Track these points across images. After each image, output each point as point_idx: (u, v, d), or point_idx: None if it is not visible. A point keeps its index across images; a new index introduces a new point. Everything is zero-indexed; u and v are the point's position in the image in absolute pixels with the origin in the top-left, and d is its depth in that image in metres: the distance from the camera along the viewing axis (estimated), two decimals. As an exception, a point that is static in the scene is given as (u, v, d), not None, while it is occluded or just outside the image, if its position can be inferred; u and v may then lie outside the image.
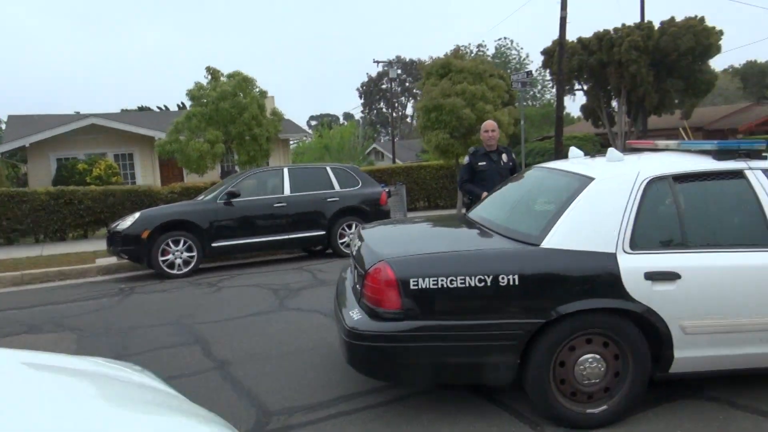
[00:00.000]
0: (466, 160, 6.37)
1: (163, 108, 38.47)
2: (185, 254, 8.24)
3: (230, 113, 12.96)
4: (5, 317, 6.24)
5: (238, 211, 8.67)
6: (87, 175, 17.72)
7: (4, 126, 25.77)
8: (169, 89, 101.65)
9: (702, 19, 22.84)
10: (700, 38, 22.37)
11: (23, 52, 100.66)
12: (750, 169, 3.27)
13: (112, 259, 8.90)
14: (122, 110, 36.69)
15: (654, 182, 3.20)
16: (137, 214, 8.34)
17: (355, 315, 3.25)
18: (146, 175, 20.59)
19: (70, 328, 5.65)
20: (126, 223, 8.23)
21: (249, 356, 4.46)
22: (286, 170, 9.43)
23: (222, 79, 13.57)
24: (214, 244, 8.45)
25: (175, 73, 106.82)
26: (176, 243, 8.19)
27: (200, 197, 9.32)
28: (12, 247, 11.48)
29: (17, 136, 19.26)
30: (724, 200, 3.34)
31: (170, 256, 8.14)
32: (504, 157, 6.30)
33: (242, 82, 13.35)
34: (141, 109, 40.13)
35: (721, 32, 22.86)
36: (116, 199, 12.29)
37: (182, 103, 34.43)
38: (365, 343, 3.10)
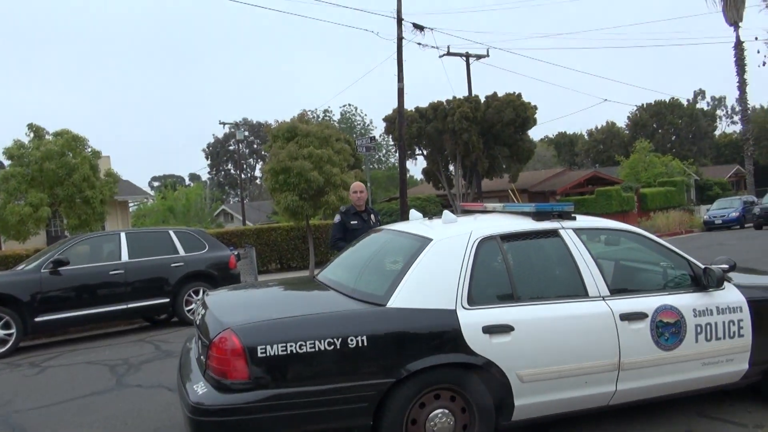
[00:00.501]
0: (336, 218, 6.47)
1: (-24, 167, 34.21)
2: (1, 332, 7.24)
3: (57, 174, 11.90)
4: None
5: (67, 280, 7.87)
6: None
7: None
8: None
9: (519, 95, 25.93)
10: (519, 111, 25.33)
11: None
12: (563, 228, 3.72)
13: None
14: None
15: (485, 242, 3.51)
16: (-62, 289, 7.21)
17: (199, 389, 3.08)
18: (-48, 242, 17.94)
19: None
20: None
21: (78, 445, 3.99)
22: (123, 234, 8.80)
23: (47, 137, 12.50)
24: (37, 319, 7.54)
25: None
26: (-11, 320, 7.18)
27: (21, 266, 8.33)
28: None
29: None
30: (544, 256, 3.74)
31: (-19, 336, 7.10)
32: (372, 216, 6.58)
33: (71, 141, 12.40)
34: (-53, 167, 35.32)
35: (535, 107, 26.13)
36: None
37: None
38: (212, 418, 2.94)
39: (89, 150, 12.76)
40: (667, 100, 57.19)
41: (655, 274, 4.00)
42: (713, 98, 67.29)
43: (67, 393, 5.34)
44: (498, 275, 3.49)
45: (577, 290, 3.54)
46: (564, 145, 63.12)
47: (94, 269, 8.17)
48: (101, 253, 8.54)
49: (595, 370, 3.41)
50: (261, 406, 2.92)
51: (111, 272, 8.22)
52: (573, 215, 3.86)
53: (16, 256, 11.30)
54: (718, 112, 67.24)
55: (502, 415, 3.31)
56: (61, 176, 11.90)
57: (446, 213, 3.94)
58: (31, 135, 12.47)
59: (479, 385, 3.22)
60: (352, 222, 6.35)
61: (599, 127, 60.71)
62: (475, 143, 24.92)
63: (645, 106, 57.57)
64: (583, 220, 3.90)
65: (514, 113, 25.15)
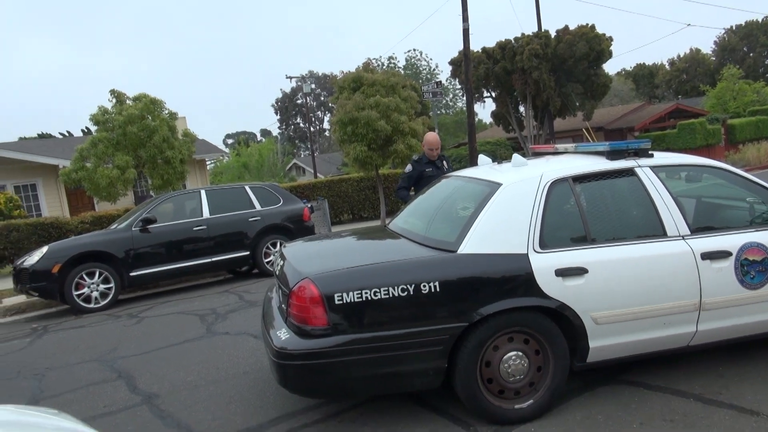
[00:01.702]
0: (408, 168, 6.59)
1: (67, 134, 36.46)
2: (102, 286, 7.89)
3: (139, 137, 12.54)
4: None
5: (156, 237, 8.39)
6: (-15, 211, 16.49)
7: None
8: (71, 114, 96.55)
9: (593, 27, 24.45)
10: (593, 44, 23.93)
11: None
12: (639, 166, 3.58)
13: (21, 298, 8.38)
14: (20, 138, 34.47)
15: (556, 184, 3.44)
16: (45, 248, 7.89)
17: (282, 335, 3.26)
18: (53, 206, 19.43)
19: (-23, 376, 5.27)
20: (33, 258, 7.77)
21: (177, 387, 4.35)
22: (203, 192, 9.23)
23: (128, 102, 13.12)
24: (132, 274, 8.14)
25: (77, 97, 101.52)
26: (91, 275, 7.82)
27: (113, 226, 8.95)
28: None
29: None
30: (619, 197, 3.62)
31: (85, 290, 7.76)
32: (445, 163, 6.70)
33: (150, 105, 12.96)
34: (41, 136, 37.83)
35: (611, 38, 24.57)
36: (20, 234, 11.52)
37: (87, 128, 32.86)
38: (295, 362, 3.12)
39: (166, 112, 13.30)
40: (760, 20, 52.29)
41: (740, 210, 3.80)
42: (814, 14, 60.84)
43: (163, 340, 5.79)
44: (571, 217, 3.43)
45: (654, 230, 3.43)
46: (643, 77, 59.33)
47: (179, 226, 8.66)
48: (185, 211, 9.01)
49: (674, 311, 3.33)
50: (340, 351, 3.07)
51: (195, 228, 8.69)
52: (650, 152, 3.69)
53: (108, 217, 12.11)
54: (820, 29, 60.88)
55: (576, 357, 3.32)
56: (143, 138, 12.53)
57: (516, 156, 3.87)
58: (114, 101, 13.13)
59: (553, 328, 3.22)
60: (426, 170, 6.43)
61: (682, 55, 56.46)
62: (546, 81, 23.91)
63: (734, 28, 52.94)
64: (661, 157, 3.72)
65: (587, 47, 23.82)
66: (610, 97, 38.80)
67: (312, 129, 53.20)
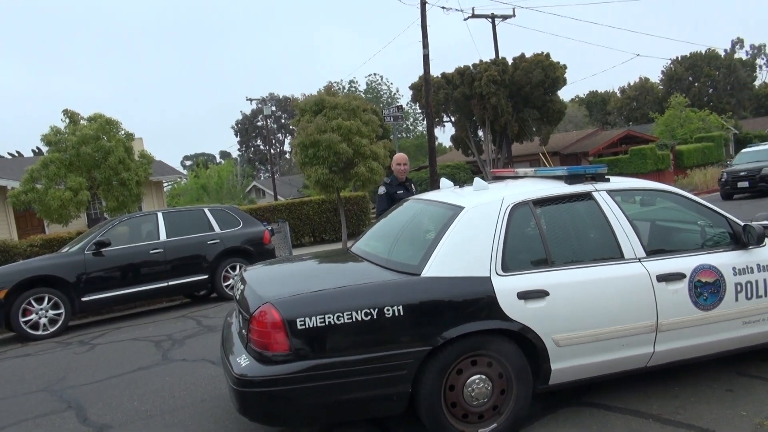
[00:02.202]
0: (381, 190, 6.60)
1: (16, 155, 35.23)
2: (51, 312, 7.57)
3: (93, 158, 12.18)
4: None
5: (110, 261, 8.13)
6: (-75, 233, 15.70)
7: None
8: (20, 134, 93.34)
9: (548, 55, 25.28)
10: (548, 72, 24.72)
11: None
12: (596, 190, 3.68)
13: (-38, 326, 7.93)
14: (-34, 158, 33.08)
15: (517, 207, 3.49)
16: (-10, 273, 7.54)
17: (242, 361, 3.18)
18: (0, 228, 18.65)
19: None
20: (-23, 284, 7.39)
21: (131, 417, 4.17)
22: (160, 214, 9.02)
23: (82, 122, 12.76)
24: (84, 299, 7.84)
25: (28, 117, 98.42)
26: (40, 301, 7.50)
27: (65, 249, 8.63)
28: None
29: None
30: (578, 220, 3.70)
31: (33, 316, 7.44)
32: (413, 186, 6.80)
33: (105, 125, 12.62)
34: (-11, 156, 36.42)
35: (565, 66, 25.45)
36: (-37, 258, 10.99)
37: (38, 148, 31.85)
38: (255, 389, 3.04)
39: (122, 133, 12.98)
40: (704, 52, 55.01)
41: (692, 233, 3.93)
42: (753, 47, 64.33)
43: (116, 368, 5.57)
44: (532, 241, 3.48)
45: (612, 253, 3.51)
46: (596, 104, 61.48)
47: (135, 249, 8.42)
48: (140, 234, 8.78)
49: (632, 332, 3.40)
50: (302, 377, 3.00)
51: (151, 251, 8.46)
52: (606, 177, 3.80)
53: (59, 239, 11.68)
54: (758, 61, 64.32)
55: (539, 380, 3.34)
56: (98, 160, 12.18)
57: (477, 180, 3.92)
58: (67, 121, 12.75)
59: (516, 351, 3.24)
60: (398, 192, 6.49)
61: (632, 83, 58.84)
62: (504, 107, 24.51)
63: (680, 59, 55.48)
64: (617, 182, 3.83)
65: (543, 74, 24.59)
66: (565, 122, 39.99)
67: (272, 151, 52.91)
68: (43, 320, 7.51)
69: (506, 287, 3.22)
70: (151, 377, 5.15)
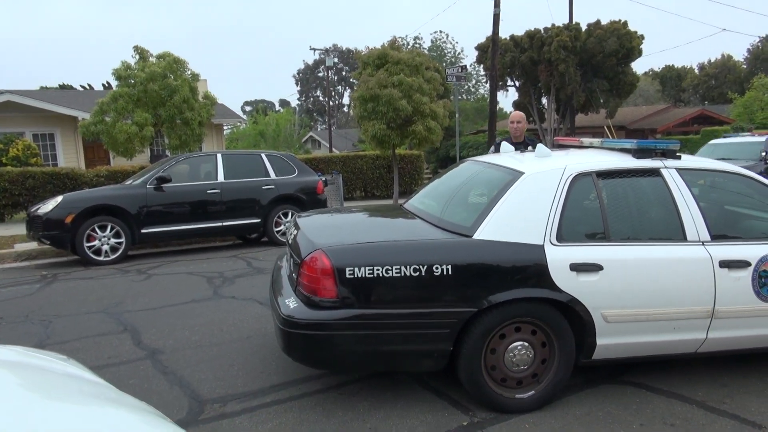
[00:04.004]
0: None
1: (87, 87, 36.52)
2: (113, 240, 7.95)
3: (160, 95, 12.53)
4: None
5: (169, 196, 8.42)
6: (2, 156, 16.64)
7: None
8: (93, 68, 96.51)
9: (625, 24, 24.04)
10: (623, 41, 23.55)
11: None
12: (665, 167, 3.52)
13: (33, 245, 8.46)
14: (41, 87, 34.55)
15: (579, 178, 3.39)
16: (60, 198, 7.95)
17: (291, 303, 3.27)
18: (69, 157, 19.56)
19: (-14, 317, 5.35)
20: (48, 206, 7.83)
21: (182, 345, 4.39)
22: (219, 156, 9.22)
23: (151, 59, 13.07)
24: (143, 231, 8.19)
25: (99, 51, 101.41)
26: (103, 229, 7.88)
27: (128, 181, 8.98)
28: None
29: None
30: (642, 196, 3.57)
31: (96, 243, 7.83)
32: (530, 149, 6.30)
33: (173, 64, 12.91)
34: (62, 87, 37.93)
35: (642, 37, 24.17)
36: (36, 182, 11.63)
37: (107, 82, 32.89)
38: (301, 331, 3.12)
39: (189, 73, 13.25)
40: (797, 31, 51.09)
41: (764, 221, 3.73)
42: None
43: (170, 299, 5.84)
44: (590, 213, 3.38)
45: (674, 233, 3.38)
46: (670, 79, 58.37)
47: (193, 187, 8.68)
48: (199, 173, 9.03)
49: (685, 316, 3.30)
50: (346, 324, 3.07)
51: (208, 191, 8.70)
52: (677, 154, 3.63)
53: (123, 172, 12.16)
54: None
55: (582, 353, 3.30)
56: (164, 97, 12.51)
57: (540, 146, 3.82)
58: (137, 57, 13.09)
59: (561, 322, 3.20)
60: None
61: (713, 60, 55.46)
62: (572, 75, 23.61)
63: (769, 37, 51.74)
64: (689, 160, 3.66)
65: (617, 43, 23.46)
66: (635, 96, 38.27)
67: (331, 103, 52.99)
68: (105, 247, 7.90)
69: (559, 257, 3.16)
70: (201, 310, 5.37)
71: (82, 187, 11.18)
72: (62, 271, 7.48)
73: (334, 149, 33.74)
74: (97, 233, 7.83)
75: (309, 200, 9.40)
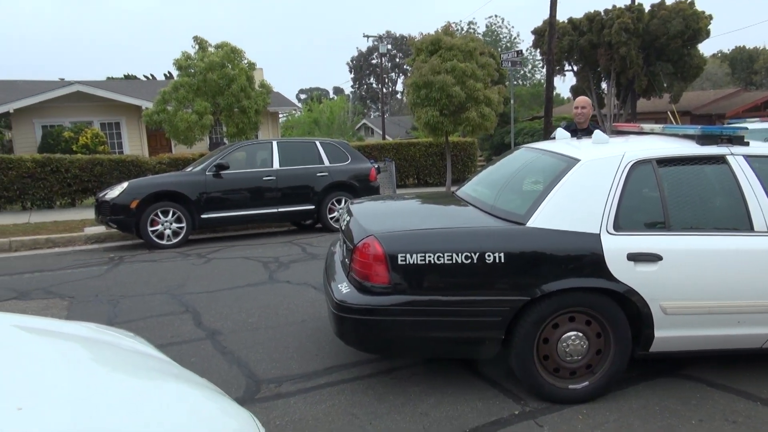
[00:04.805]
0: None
1: (150, 77, 37.83)
2: (174, 225, 8.26)
3: (218, 84, 12.85)
4: (-7, 284, 6.26)
5: (227, 183, 8.68)
6: (73, 144, 17.52)
7: (-14, 91, 25.19)
8: (154, 58, 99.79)
9: (692, 3, 22.92)
10: (689, 22, 22.46)
11: (4, 15, 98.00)
12: (732, 154, 3.37)
13: (101, 228, 8.90)
14: (108, 78, 36.03)
15: (638, 165, 3.29)
16: (125, 184, 8.32)
17: (343, 288, 3.33)
18: (133, 144, 20.39)
19: (60, 295, 5.69)
20: (114, 192, 8.21)
21: (239, 327, 4.55)
22: (275, 144, 9.42)
23: (210, 49, 13.41)
24: (203, 216, 8.47)
25: (161, 42, 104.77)
26: (165, 214, 8.20)
27: (189, 168, 9.30)
28: (-2, 215, 11.42)
29: (1, 102, 18.93)
30: (706, 185, 3.43)
31: (159, 227, 8.16)
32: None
33: (230, 53, 13.20)
34: (127, 77, 39.43)
35: (710, 17, 22.98)
36: (103, 168, 12.21)
37: (169, 72, 33.90)
38: (353, 316, 3.18)
39: (245, 62, 13.52)
40: None
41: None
42: None
43: (228, 282, 6.04)
44: (649, 201, 3.28)
45: (740, 223, 3.24)
46: (741, 61, 55.24)
47: (250, 174, 8.91)
48: (256, 160, 9.25)
49: (751, 309, 3.17)
50: (398, 310, 3.10)
51: (264, 178, 8.92)
52: (746, 140, 3.46)
53: (184, 159, 12.59)
54: None
55: (639, 345, 3.22)
56: (222, 86, 12.83)
57: (597, 133, 3.72)
58: (196, 47, 13.46)
59: (618, 313, 3.14)
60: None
61: (789, 40, 52.01)
62: (634, 58, 22.72)
63: None
64: (759, 147, 3.48)
65: (682, 24, 22.38)
66: (701, 80, 36.53)
67: (384, 90, 52.98)
68: (168, 231, 8.22)
69: (616, 247, 3.09)
70: (258, 294, 5.54)
71: (146, 173, 11.65)
72: (128, 254, 7.85)
73: (387, 136, 33.79)
74: (160, 218, 8.16)
75: (362, 187, 9.49)
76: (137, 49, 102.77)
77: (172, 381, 1.86)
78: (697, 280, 3.12)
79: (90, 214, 9.87)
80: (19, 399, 1.39)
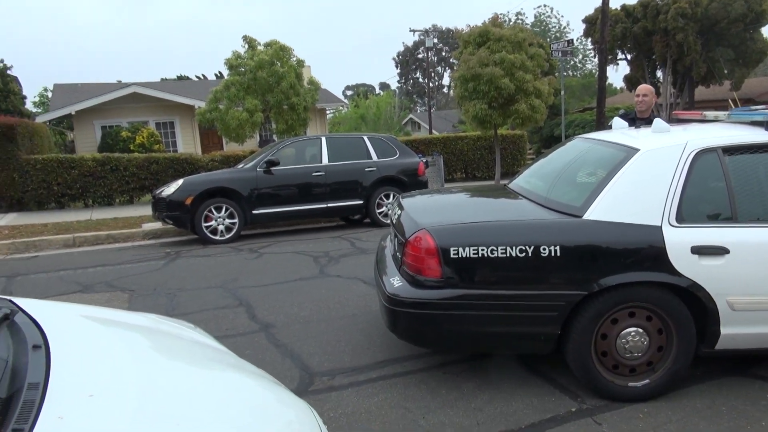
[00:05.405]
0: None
1: (201, 77, 38.84)
2: (227, 221, 8.45)
3: (268, 82, 13.07)
4: (60, 277, 6.55)
5: (278, 179, 8.81)
6: (130, 143, 18.16)
7: (50, 94, 26.44)
8: (205, 59, 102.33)
9: (756, -16, 21.75)
10: (752, 4, 21.38)
11: (65, 21, 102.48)
12: (806, 142, 3.18)
13: (158, 224, 9.19)
14: (162, 79, 37.19)
15: (702, 154, 3.14)
16: (180, 181, 8.56)
17: (395, 282, 3.32)
18: (187, 143, 20.98)
19: (121, 288, 5.91)
20: (170, 189, 8.46)
21: (291, 320, 4.61)
22: (324, 139, 9.49)
23: (259, 48, 13.64)
24: (254, 212, 8.64)
25: (210, 42, 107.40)
26: (218, 210, 8.40)
27: (240, 165, 9.48)
28: (63, 211, 11.94)
29: (63, 104, 19.82)
30: (777, 174, 3.25)
31: (213, 223, 8.37)
32: None
33: (279, 51, 13.40)
34: (180, 78, 40.61)
35: (776, -2, 21.76)
36: (159, 166, 12.60)
37: (219, 72, 34.73)
38: (405, 309, 3.17)
39: (294, 59, 13.70)
40: None
41: None
42: None
43: (279, 276, 6.13)
44: (714, 192, 3.13)
45: (815, 214, 3.06)
46: (808, 45, 52.25)
47: (300, 170, 9.02)
48: (305, 156, 9.35)
49: (828, 305, 2.98)
50: (451, 304, 3.07)
51: (314, 173, 9.01)
52: (821, 127, 3.26)
53: (235, 156, 12.86)
54: None
55: (704, 342, 3.09)
56: (271, 84, 13.05)
57: (658, 121, 3.58)
58: (246, 46, 13.72)
59: (681, 308, 3.01)
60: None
61: None
62: (692, 44, 21.82)
63: None
64: (835, 133, 3.27)
65: (744, 7, 21.33)
66: (765, 65, 34.74)
67: (431, 84, 52.70)
68: (221, 227, 8.42)
69: (679, 239, 2.97)
70: (309, 288, 5.60)
71: (199, 171, 11.96)
72: (184, 249, 8.08)
73: (434, 131, 33.60)
74: (213, 214, 8.36)
75: (410, 182, 9.46)
76: (188, 50, 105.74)
77: (230, 371, 1.89)
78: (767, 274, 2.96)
79: (147, 210, 10.21)
80: (91, 386, 1.44)
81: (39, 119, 19.58)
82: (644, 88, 5.91)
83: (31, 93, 60.07)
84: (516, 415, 2.99)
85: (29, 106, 28.51)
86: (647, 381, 3.10)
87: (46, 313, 1.92)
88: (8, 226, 9.79)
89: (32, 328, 1.72)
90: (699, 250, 2.95)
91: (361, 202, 9.27)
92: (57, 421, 1.25)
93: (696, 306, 3.02)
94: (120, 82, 25.62)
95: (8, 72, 21.43)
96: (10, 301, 1.99)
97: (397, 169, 9.52)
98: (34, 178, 11.76)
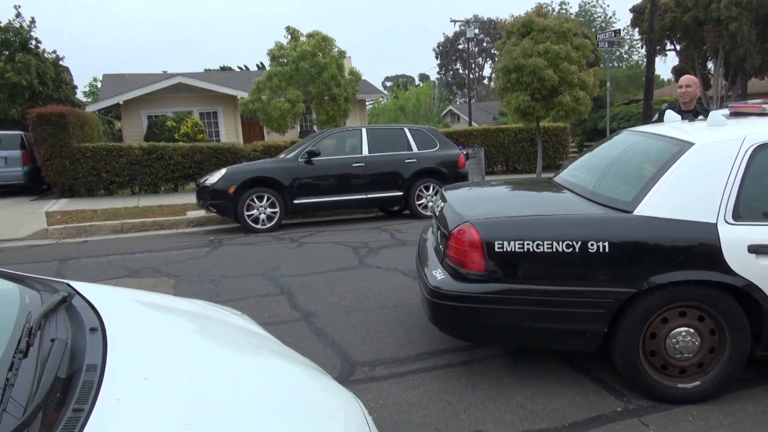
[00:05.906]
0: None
1: (244, 68, 39.35)
2: (269, 210, 8.57)
3: (310, 73, 13.14)
4: (109, 262, 6.76)
5: (319, 169, 8.87)
6: (175, 132, 18.55)
7: (100, 84, 27.24)
8: (245, 50, 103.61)
9: (819, -29, 20.73)
10: (815, -8, 20.37)
11: (114, 13, 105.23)
12: None
13: (201, 212, 9.38)
14: (205, 70, 37.86)
15: (762, 149, 3.00)
16: (224, 170, 8.70)
17: (438, 274, 3.30)
18: (229, 132, 21.31)
19: (167, 274, 6.06)
20: (214, 178, 8.61)
21: (332, 310, 4.64)
22: (364, 130, 9.50)
23: (301, 38, 13.72)
24: (295, 201, 8.72)
25: (250, 33, 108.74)
26: (260, 199, 8.51)
27: (281, 155, 9.58)
28: (111, 198, 12.31)
29: (112, 94, 20.36)
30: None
31: (255, 212, 8.49)
32: (700, 119, 4.79)
33: (321, 42, 13.45)
34: (223, 68, 41.25)
35: (840, -15, 20.70)
36: (203, 156, 12.85)
37: (261, 63, 35.17)
38: (448, 302, 3.15)
39: (336, 50, 13.73)
40: None
41: None
42: None
43: (320, 266, 6.18)
44: (775, 189, 3.00)
45: None
46: None
47: (340, 161, 9.06)
48: (345, 147, 9.38)
49: None
50: (494, 298, 3.03)
51: (354, 164, 9.03)
52: None
53: (276, 147, 13.00)
54: None
55: (759, 345, 2.97)
56: (313, 75, 13.12)
57: (714, 114, 3.45)
58: (288, 37, 13.82)
59: (736, 309, 2.90)
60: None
61: None
62: (746, 34, 20.97)
63: None
64: None
65: (805, -5, 20.36)
66: (825, 56, 33.09)
67: (471, 76, 52.13)
68: (262, 216, 8.54)
69: (735, 237, 2.85)
70: (349, 278, 5.63)
71: (242, 160, 12.14)
72: (226, 237, 8.23)
73: (473, 123, 33.27)
74: (255, 203, 8.49)
75: (450, 174, 9.40)
76: (230, 41, 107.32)
77: (275, 358, 1.92)
78: (831, 275, 2.82)
79: (191, 198, 10.43)
80: (145, 369, 1.47)
81: (89, 108, 20.18)
82: (687, 78, 5.69)
83: (81, 83, 62.14)
84: (560, 413, 2.94)
85: (80, 95, 29.42)
86: (698, 383, 3.00)
87: (100, 296, 1.98)
88: (60, 212, 10.15)
89: (89, 311, 1.78)
90: (756, 249, 2.83)
91: (400, 193, 9.26)
92: (115, 402, 1.29)
93: (752, 307, 2.90)
94: (165, 72, 26.19)
95: (60, 62, 22.08)
96: (68, 284, 2.05)
97: (438, 160, 9.46)
98: (84, 165, 12.15)
